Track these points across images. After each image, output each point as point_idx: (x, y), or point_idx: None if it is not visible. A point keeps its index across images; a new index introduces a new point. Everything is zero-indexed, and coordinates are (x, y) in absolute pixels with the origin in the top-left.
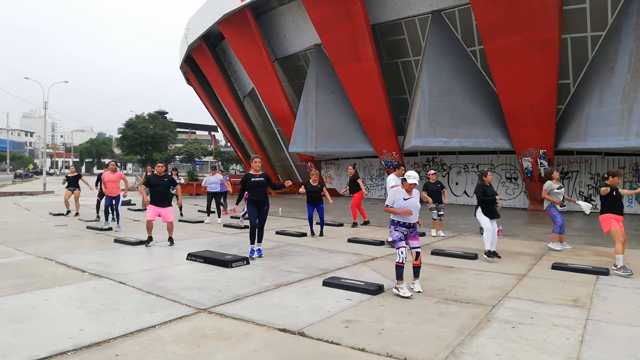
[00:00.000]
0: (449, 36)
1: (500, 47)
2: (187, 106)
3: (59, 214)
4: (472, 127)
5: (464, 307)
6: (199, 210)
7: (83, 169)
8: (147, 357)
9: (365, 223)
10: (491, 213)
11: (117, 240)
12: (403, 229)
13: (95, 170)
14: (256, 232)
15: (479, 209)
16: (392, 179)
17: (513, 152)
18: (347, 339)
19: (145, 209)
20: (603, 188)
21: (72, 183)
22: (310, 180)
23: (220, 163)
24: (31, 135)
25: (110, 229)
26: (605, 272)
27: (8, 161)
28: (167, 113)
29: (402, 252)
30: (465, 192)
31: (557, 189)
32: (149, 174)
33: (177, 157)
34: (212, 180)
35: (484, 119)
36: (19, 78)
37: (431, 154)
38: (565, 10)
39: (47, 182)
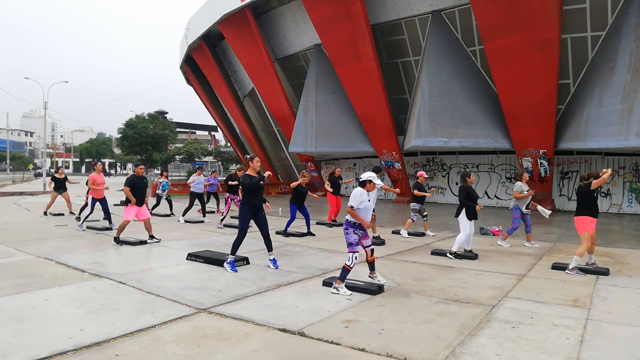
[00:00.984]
0: (449, 36)
1: (500, 47)
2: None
3: (59, 214)
4: (472, 127)
5: (464, 307)
6: (198, 211)
7: (83, 169)
8: (147, 357)
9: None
10: (474, 215)
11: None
12: (360, 231)
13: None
14: (239, 241)
15: (463, 212)
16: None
17: (513, 152)
18: (347, 339)
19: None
20: (594, 181)
21: (61, 185)
22: (301, 181)
23: (220, 163)
24: (31, 135)
25: (108, 228)
26: (605, 272)
27: (8, 161)
28: (167, 113)
29: (355, 258)
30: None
31: (526, 190)
32: (161, 179)
33: (177, 157)
34: (199, 181)
35: (484, 119)
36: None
37: (431, 154)
38: (565, 10)
39: (47, 182)
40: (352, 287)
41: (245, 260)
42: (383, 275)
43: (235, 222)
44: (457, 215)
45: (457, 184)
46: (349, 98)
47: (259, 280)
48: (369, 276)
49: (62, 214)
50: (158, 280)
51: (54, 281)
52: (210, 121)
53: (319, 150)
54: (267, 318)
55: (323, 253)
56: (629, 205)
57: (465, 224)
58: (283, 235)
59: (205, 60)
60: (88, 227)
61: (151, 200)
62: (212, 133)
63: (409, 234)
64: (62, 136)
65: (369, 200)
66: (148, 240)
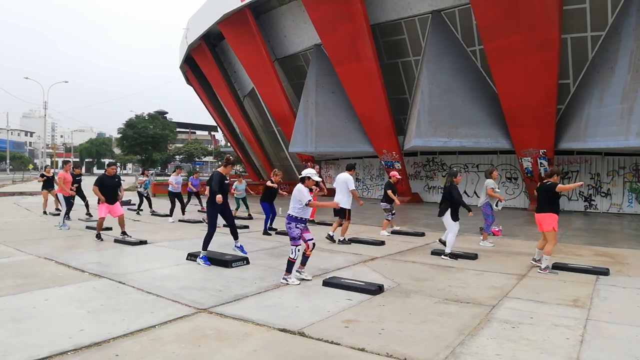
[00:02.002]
0: (449, 36)
1: (501, 47)
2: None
3: (58, 214)
4: (472, 127)
5: (464, 307)
6: (199, 211)
7: (83, 169)
8: (147, 357)
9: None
10: (457, 216)
11: (117, 240)
12: (302, 225)
13: (95, 170)
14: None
15: (449, 212)
16: (349, 179)
17: (513, 152)
18: (347, 339)
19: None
20: (560, 185)
21: (49, 183)
22: (274, 179)
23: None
24: (31, 135)
25: (108, 228)
26: (605, 272)
27: (8, 161)
28: (167, 113)
29: (298, 250)
30: (465, 192)
31: (497, 188)
32: (142, 177)
33: (177, 157)
34: (177, 181)
35: (484, 119)
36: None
37: (431, 154)
38: (565, 10)
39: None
40: (352, 287)
41: (245, 260)
42: (309, 273)
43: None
44: (441, 215)
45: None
46: (349, 98)
47: (259, 280)
48: (297, 270)
49: (51, 213)
50: (158, 280)
51: (53, 281)
52: (210, 121)
53: (319, 150)
54: (267, 318)
55: (323, 253)
56: (629, 205)
57: (452, 224)
58: (263, 233)
59: (205, 60)
60: (87, 227)
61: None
62: (212, 133)
63: (407, 233)
64: (62, 136)
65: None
66: (119, 237)
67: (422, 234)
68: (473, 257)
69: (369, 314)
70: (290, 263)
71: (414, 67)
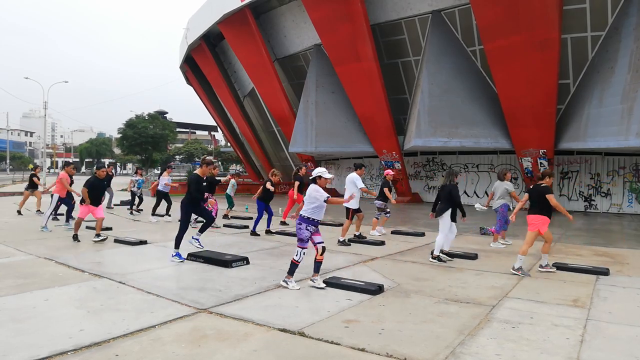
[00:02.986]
0: (449, 36)
1: (501, 47)
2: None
3: (59, 214)
4: (472, 127)
5: (464, 307)
6: (223, 217)
7: (83, 168)
8: (147, 357)
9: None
10: (455, 217)
11: (117, 240)
12: (313, 227)
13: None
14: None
15: (449, 211)
16: (357, 178)
17: (513, 152)
18: (347, 339)
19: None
20: (552, 198)
21: (33, 183)
22: (273, 179)
23: (220, 163)
24: (31, 135)
25: (108, 228)
26: (605, 272)
27: (8, 161)
28: (167, 113)
29: (303, 254)
30: (464, 192)
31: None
32: (135, 177)
33: (177, 157)
34: (167, 180)
35: (484, 118)
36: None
37: (431, 154)
38: (565, 10)
39: (47, 183)
40: (352, 287)
41: (245, 260)
42: (321, 280)
43: (235, 222)
44: (440, 215)
45: (457, 184)
46: (349, 98)
47: (259, 280)
48: (311, 279)
49: (62, 214)
50: (158, 280)
51: (53, 281)
52: (210, 121)
53: (319, 150)
54: (267, 318)
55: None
56: (629, 205)
57: (448, 225)
58: (251, 234)
59: (205, 60)
60: (87, 228)
61: (152, 200)
62: (212, 133)
63: (407, 233)
64: (62, 136)
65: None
66: (119, 237)
67: (422, 234)
68: (473, 257)
69: (369, 314)
70: (294, 265)
71: (414, 67)
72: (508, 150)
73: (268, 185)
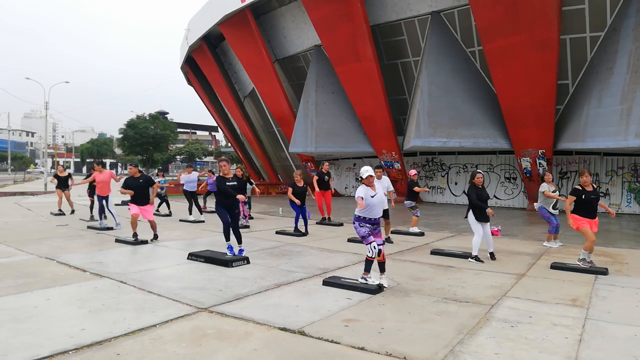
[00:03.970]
0: (449, 37)
1: (500, 48)
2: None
3: (60, 214)
4: (472, 127)
5: (463, 307)
6: (243, 218)
7: (84, 169)
8: (148, 357)
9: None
10: (480, 217)
11: (118, 240)
12: (368, 225)
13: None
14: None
15: (470, 213)
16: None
17: (512, 152)
18: (347, 338)
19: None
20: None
21: (62, 183)
22: (296, 181)
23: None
24: (32, 136)
25: (109, 228)
26: (604, 272)
27: (9, 161)
28: (167, 113)
29: (374, 247)
30: (464, 191)
31: (552, 191)
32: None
33: (177, 157)
34: (191, 179)
35: (483, 119)
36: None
37: (430, 154)
38: (564, 10)
39: (48, 183)
40: (352, 287)
41: (245, 260)
42: (386, 279)
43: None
44: (466, 216)
45: (456, 183)
46: (349, 98)
47: (259, 279)
48: (380, 277)
49: (63, 214)
50: (159, 279)
51: (55, 281)
52: (210, 121)
53: (319, 151)
54: (268, 317)
55: (323, 253)
56: (627, 205)
57: (472, 225)
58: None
59: (205, 61)
60: (89, 227)
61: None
62: (213, 133)
63: (407, 233)
64: (63, 136)
65: (371, 196)
66: (120, 237)
67: (422, 234)
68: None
69: (369, 313)
70: (368, 262)
71: (413, 67)
72: (507, 150)
73: (290, 192)
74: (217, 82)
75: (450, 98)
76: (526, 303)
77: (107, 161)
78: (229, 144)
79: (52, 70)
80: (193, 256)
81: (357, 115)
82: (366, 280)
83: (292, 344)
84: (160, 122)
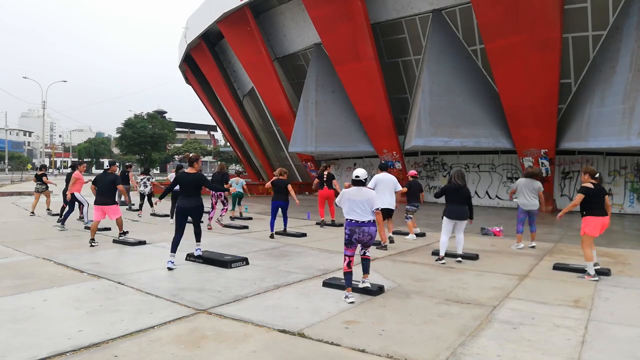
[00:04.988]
0: (450, 35)
1: (502, 47)
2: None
3: (56, 214)
4: (473, 127)
5: (465, 308)
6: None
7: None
8: (146, 358)
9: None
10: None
11: (116, 241)
12: (348, 229)
13: (94, 170)
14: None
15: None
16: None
17: (514, 152)
18: (348, 340)
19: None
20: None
21: (44, 184)
22: (280, 177)
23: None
24: (30, 135)
25: (106, 229)
26: (606, 273)
27: (7, 161)
28: (166, 113)
29: (345, 257)
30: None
31: None
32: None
33: (176, 156)
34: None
35: (485, 118)
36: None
37: (432, 154)
38: (567, 9)
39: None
40: (352, 288)
41: (244, 261)
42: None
43: (234, 222)
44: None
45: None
46: (349, 97)
47: (258, 280)
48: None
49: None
50: (157, 280)
51: (52, 281)
52: (209, 121)
53: (319, 150)
54: (267, 319)
55: (323, 254)
56: (630, 206)
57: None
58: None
59: (204, 60)
60: (86, 228)
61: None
62: (212, 133)
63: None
64: (60, 136)
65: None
66: (117, 237)
67: (423, 234)
68: (474, 257)
69: (370, 315)
70: (345, 274)
71: (414, 66)
72: (509, 150)
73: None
74: (216, 81)
75: (452, 97)
76: (528, 304)
77: (105, 161)
78: (228, 144)
79: (52, 70)
80: (191, 257)
81: (357, 114)
82: (347, 297)
83: (292, 346)
84: (158, 121)
